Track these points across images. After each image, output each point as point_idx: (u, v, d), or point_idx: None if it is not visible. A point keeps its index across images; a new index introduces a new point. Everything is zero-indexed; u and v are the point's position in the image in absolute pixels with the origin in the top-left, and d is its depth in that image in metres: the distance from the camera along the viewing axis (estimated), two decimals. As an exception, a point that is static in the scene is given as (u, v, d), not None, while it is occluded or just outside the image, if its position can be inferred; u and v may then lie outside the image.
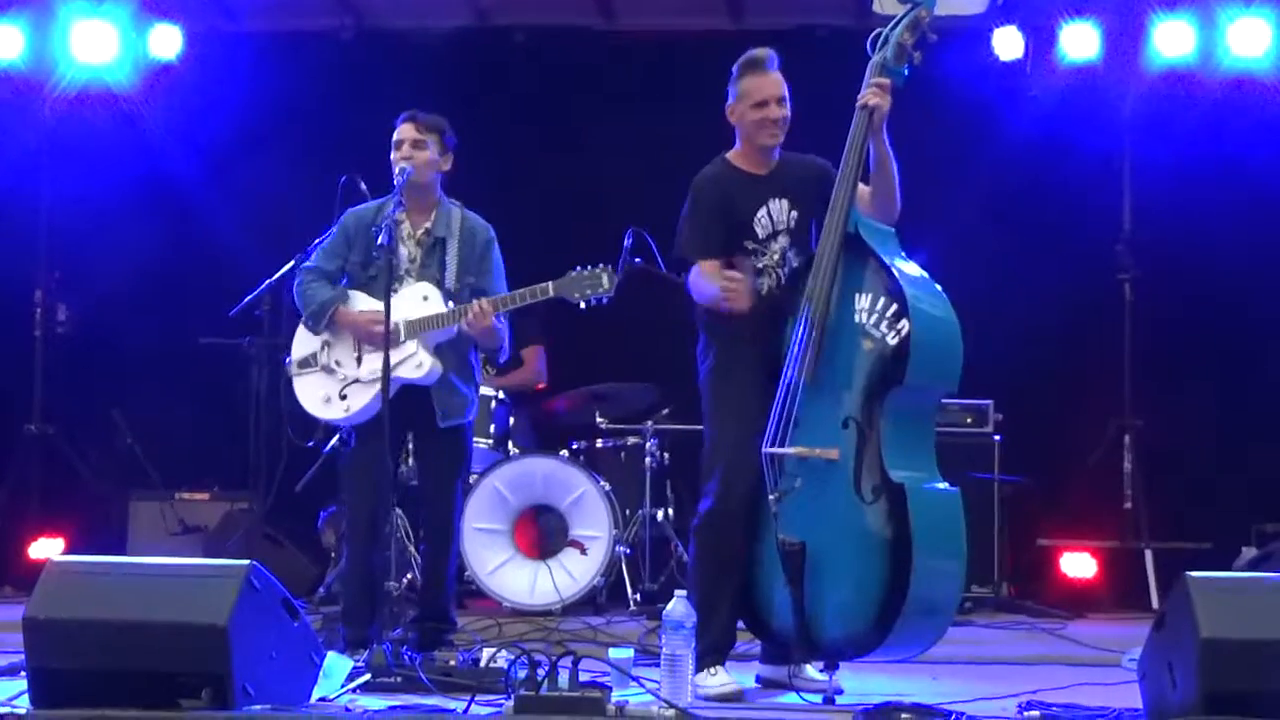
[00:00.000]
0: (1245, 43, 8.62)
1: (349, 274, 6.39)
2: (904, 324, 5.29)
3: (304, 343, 6.43)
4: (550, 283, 6.11)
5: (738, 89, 5.68)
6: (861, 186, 5.60)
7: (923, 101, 7.46)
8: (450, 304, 6.20)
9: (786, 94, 5.68)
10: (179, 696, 4.64)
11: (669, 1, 9.34)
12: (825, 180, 5.62)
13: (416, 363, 6.17)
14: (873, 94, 5.49)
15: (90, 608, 4.73)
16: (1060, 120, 8.80)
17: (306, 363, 6.40)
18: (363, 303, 6.31)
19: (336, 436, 7.37)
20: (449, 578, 6.42)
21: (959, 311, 5.48)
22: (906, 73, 5.58)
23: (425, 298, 6.22)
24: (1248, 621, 4.43)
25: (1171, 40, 8.73)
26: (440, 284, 6.25)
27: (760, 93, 5.65)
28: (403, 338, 6.08)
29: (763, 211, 5.68)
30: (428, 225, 6.33)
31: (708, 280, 5.59)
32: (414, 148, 6.24)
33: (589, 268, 6.08)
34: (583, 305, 6.11)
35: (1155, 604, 7.99)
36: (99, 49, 8.99)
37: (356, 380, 6.27)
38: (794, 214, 5.70)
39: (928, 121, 8.52)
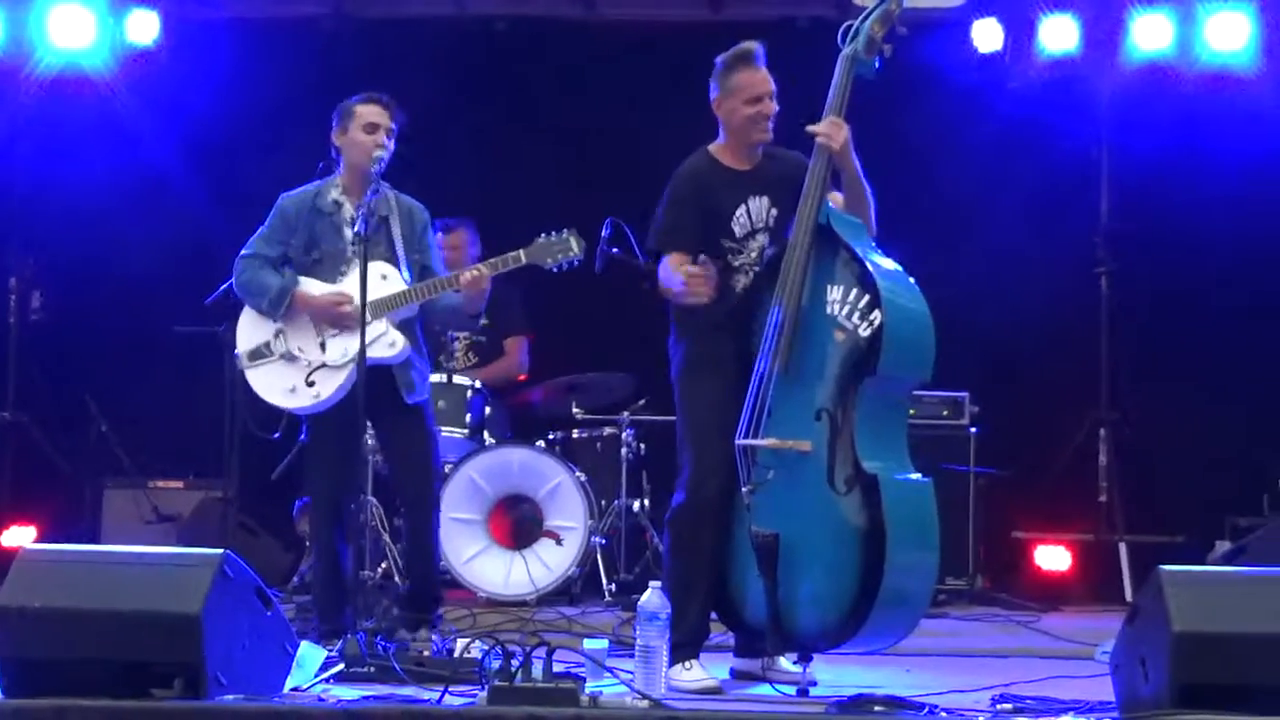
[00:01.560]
0: (1224, 37, 8.65)
1: (292, 259, 6.36)
2: (876, 315, 5.28)
3: (252, 333, 6.37)
4: (521, 250, 6.18)
5: (728, 83, 5.62)
6: (836, 195, 5.60)
7: (902, 93, 7.49)
8: (408, 282, 6.22)
9: (775, 89, 5.66)
10: (151, 686, 4.62)
11: (649, -8, 9.35)
12: (805, 177, 5.58)
13: (389, 341, 6.16)
14: (825, 133, 5.47)
15: (62, 596, 4.70)
16: (1039, 112, 8.82)
17: (259, 353, 6.34)
18: (312, 288, 6.29)
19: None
20: (435, 553, 6.44)
21: (936, 303, 5.48)
22: (878, 65, 5.58)
23: (384, 276, 6.21)
24: (1220, 615, 4.44)
25: (1150, 33, 8.77)
26: (393, 262, 6.26)
27: (755, 88, 5.60)
28: (370, 318, 6.03)
29: (742, 209, 5.65)
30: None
31: (672, 273, 5.57)
32: (388, 136, 6.26)
33: (557, 233, 6.16)
34: (555, 270, 6.20)
35: (1129, 597, 8.00)
36: (76, 34, 8.94)
37: (324, 365, 6.24)
38: (774, 212, 5.67)
39: (907, 113, 8.55)
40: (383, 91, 6.41)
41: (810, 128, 5.52)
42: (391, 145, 6.27)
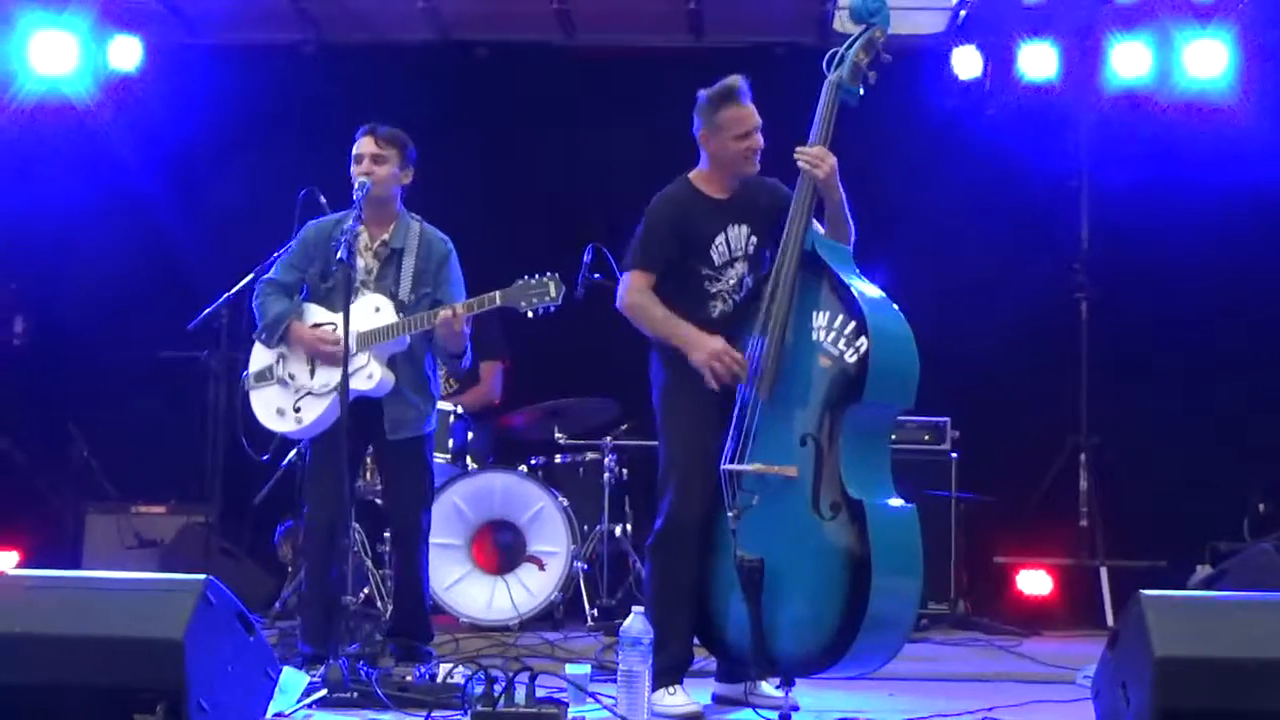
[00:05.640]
0: (1201, 64, 8.70)
1: (308, 286, 6.39)
2: (863, 342, 5.29)
3: (261, 356, 6.41)
4: (497, 292, 6.06)
5: (715, 119, 5.64)
6: (817, 225, 5.62)
7: (882, 119, 7.51)
8: (402, 315, 6.19)
9: (761, 122, 5.67)
10: (134, 711, 4.60)
11: (630, 19, 9.34)
12: (784, 206, 5.62)
13: (367, 374, 6.15)
14: (810, 160, 5.49)
15: (43, 622, 4.68)
16: (1018, 139, 8.86)
17: (263, 376, 6.38)
18: (318, 315, 6.31)
19: (295, 450, 7.37)
20: (421, 590, 6.41)
21: (917, 328, 5.48)
22: (861, 92, 5.60)
23: (377, 309, 6.21)
24: (1201, 640, 4.44)
25: (1128, 61, 8.82)
26: (394, 295, 6.25)
27: (745, 124, 5.63)
28: (354, 350, 6.03)
29: (721, 238, 5.67)
30: (385, 237, 6.32)
31: (662, 314, 5.60)
32: (374, 162, 6.23)
33: (536, 276, 6.03)
34: (530, 315, 6.04)
35: (1110, 622, 8.03)
36: (58, 60, 8.94)
37: (309, 392, 6.26)
38: (753, 240, 5.70)
39: (887, 139, 8.59)
40: (365, 117, 6.41)
41: (797, 151, 5.53)
42: (387, 170, 6.23)
